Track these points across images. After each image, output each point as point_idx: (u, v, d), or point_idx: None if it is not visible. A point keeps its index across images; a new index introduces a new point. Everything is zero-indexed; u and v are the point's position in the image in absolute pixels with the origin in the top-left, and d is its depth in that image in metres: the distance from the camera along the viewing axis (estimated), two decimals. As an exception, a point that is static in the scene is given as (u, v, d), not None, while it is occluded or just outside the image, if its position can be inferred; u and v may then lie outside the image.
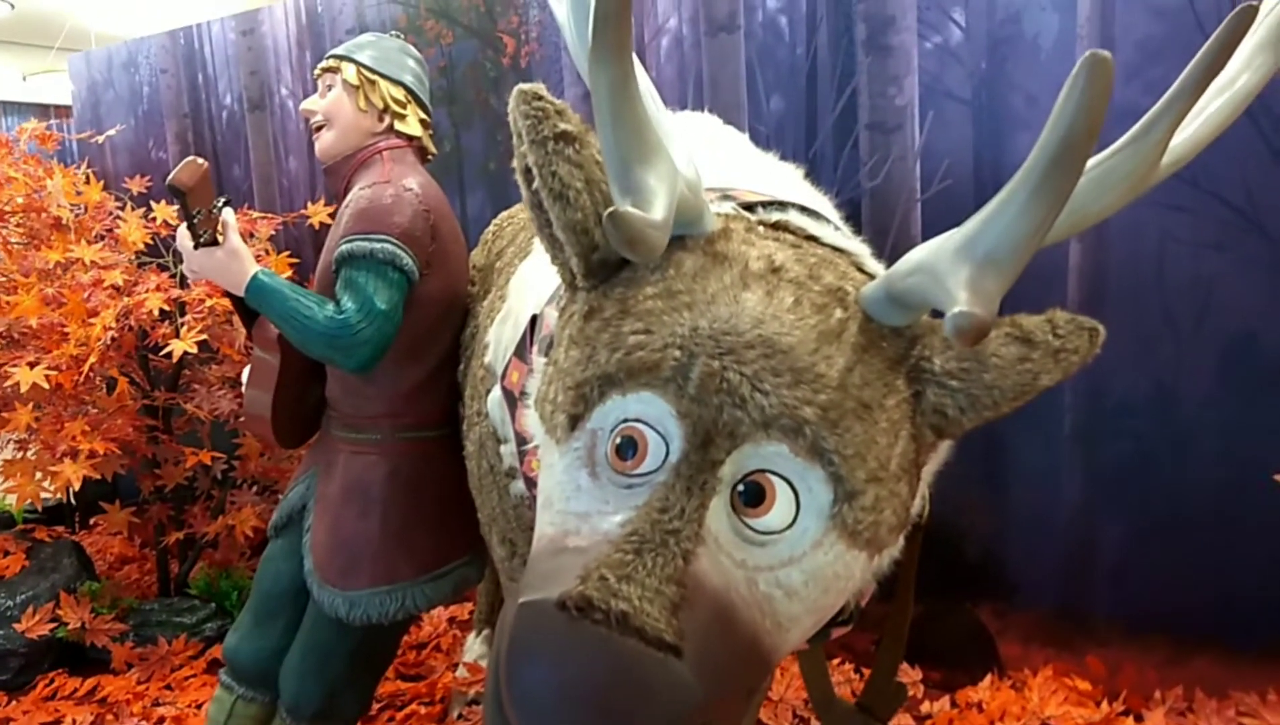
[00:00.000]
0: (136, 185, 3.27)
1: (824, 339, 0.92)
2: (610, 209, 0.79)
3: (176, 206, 1.72)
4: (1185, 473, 2.24)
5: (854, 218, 2.58)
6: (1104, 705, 2.34)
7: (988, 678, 2.51)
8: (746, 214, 1.10)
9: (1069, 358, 0.95)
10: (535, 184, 0.96)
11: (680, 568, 0.83)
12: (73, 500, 3.75)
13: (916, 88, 2.46)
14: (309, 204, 3.11)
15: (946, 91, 2.44)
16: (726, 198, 1.14)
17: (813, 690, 1.39)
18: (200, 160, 1.71)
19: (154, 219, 3.03)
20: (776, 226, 1.08)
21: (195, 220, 1.72)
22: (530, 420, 1.10)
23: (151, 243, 3.03)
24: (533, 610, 0.81)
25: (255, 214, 3.11)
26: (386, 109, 1.97)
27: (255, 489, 3.13)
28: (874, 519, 0.92)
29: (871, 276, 1.07)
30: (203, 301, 2.76)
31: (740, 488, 0.91)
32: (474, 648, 2.69)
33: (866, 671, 2.55)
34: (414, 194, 1.85)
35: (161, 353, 2.77)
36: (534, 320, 1.34)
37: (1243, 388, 2.18)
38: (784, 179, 1.41)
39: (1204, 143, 1.06)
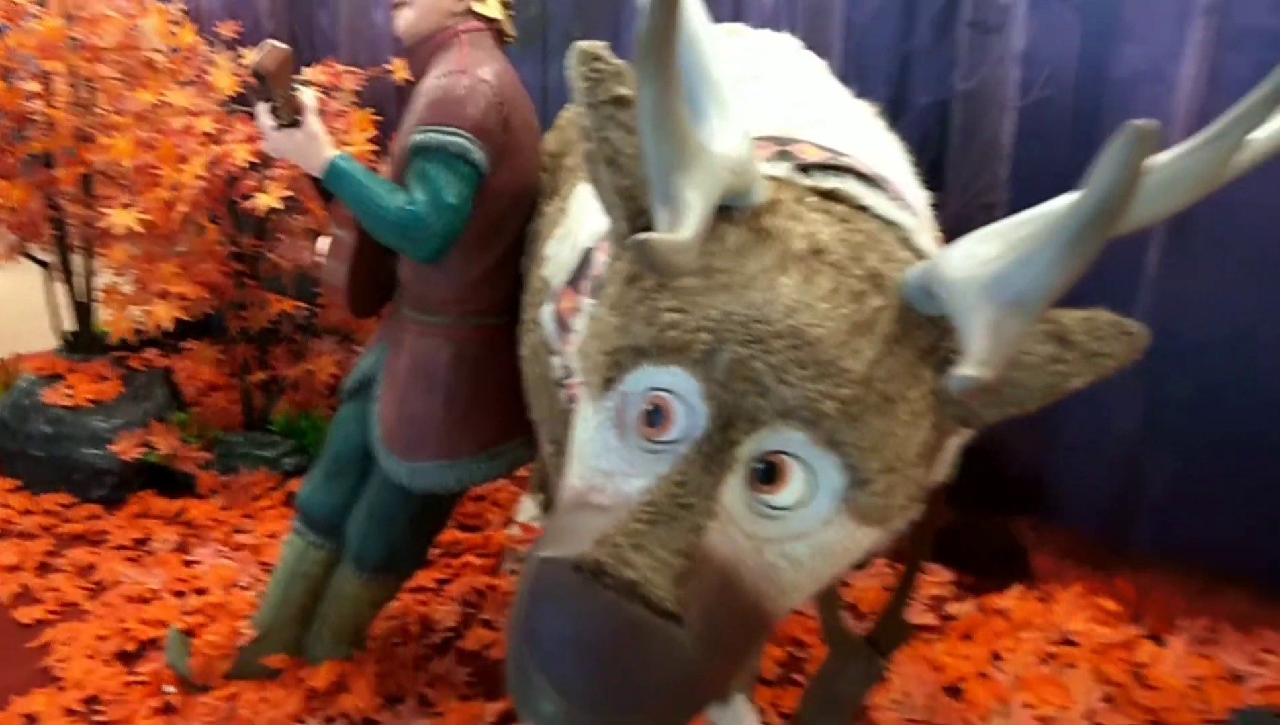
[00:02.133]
0: (227, 29, 3.29)
1: (856, 331, 0.94)
2: (635, 236, 0.81)
3: (258, 89, 1.77)
4: (1246, 416, 2.21)
5: (943, 121, 2.49)
6: (1128, 627, 2.40)
7: (1017, 588, 2.58)
8: (800, 178, 1.10)
9: (1104, 362, 0.95)
10: (589, 145, 0.98)
11: (690, 541, 0.89)
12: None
13: (1025, -14, 2.32)
14: (394, 59, 3.10)
15: (1056, -7, 2.29)
16: (784, 155, 1.14)
17: (825, 621, 1.48)
18: (283, 45, 1.74)
19: (245, 66, 3.06)
20: (829, 195, 1.08)
21: (276, 103, 1.76)
22: (574, 359, 1.15)
23: (242, 90, 3.08)
24: (552, 567, 0.89)
25: (341, 67, 3.12)
26: (467, -12, 1.95)
27: (335, 338, 3.29)
28: (885, 503, 0.96)
29: (918, 252, 1.07)
30: (287, 156, 2.83)
31: (758, 466, 0.96)
32: (527, 508, 2.85)
33: (899, 566, 2.64)
34: (488, 85, 1.85)
35: (248, 202, 2.87)
36: (587, 256, 1.37)
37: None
38: (855, 124, 1.38)
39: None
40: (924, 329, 0.97)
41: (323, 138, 1.84)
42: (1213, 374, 2.24)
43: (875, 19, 2.55)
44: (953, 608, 2.55)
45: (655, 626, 0.86)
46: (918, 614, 2.51)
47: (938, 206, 2.48)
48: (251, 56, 1.76)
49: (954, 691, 2.23)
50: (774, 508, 0.96)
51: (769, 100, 1.31)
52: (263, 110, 1.82)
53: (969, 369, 0.77)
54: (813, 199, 1.06)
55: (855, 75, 2.51)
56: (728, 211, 1.01)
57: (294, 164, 2.35)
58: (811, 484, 0.95)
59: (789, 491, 0.95)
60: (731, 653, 0.95)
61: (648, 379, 0.98)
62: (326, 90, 3.04)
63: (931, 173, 2.46)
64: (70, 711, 2.11)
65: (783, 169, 1.11)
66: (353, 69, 3.14)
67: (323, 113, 2.94)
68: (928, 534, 1.35)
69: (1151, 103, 2.19)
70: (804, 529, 0.96)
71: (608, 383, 1.01)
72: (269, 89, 1.74)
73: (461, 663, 2.30)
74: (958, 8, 2.42)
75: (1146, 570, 2.44)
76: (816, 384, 0.91)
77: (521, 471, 3.15)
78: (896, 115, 2.48)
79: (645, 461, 0.97)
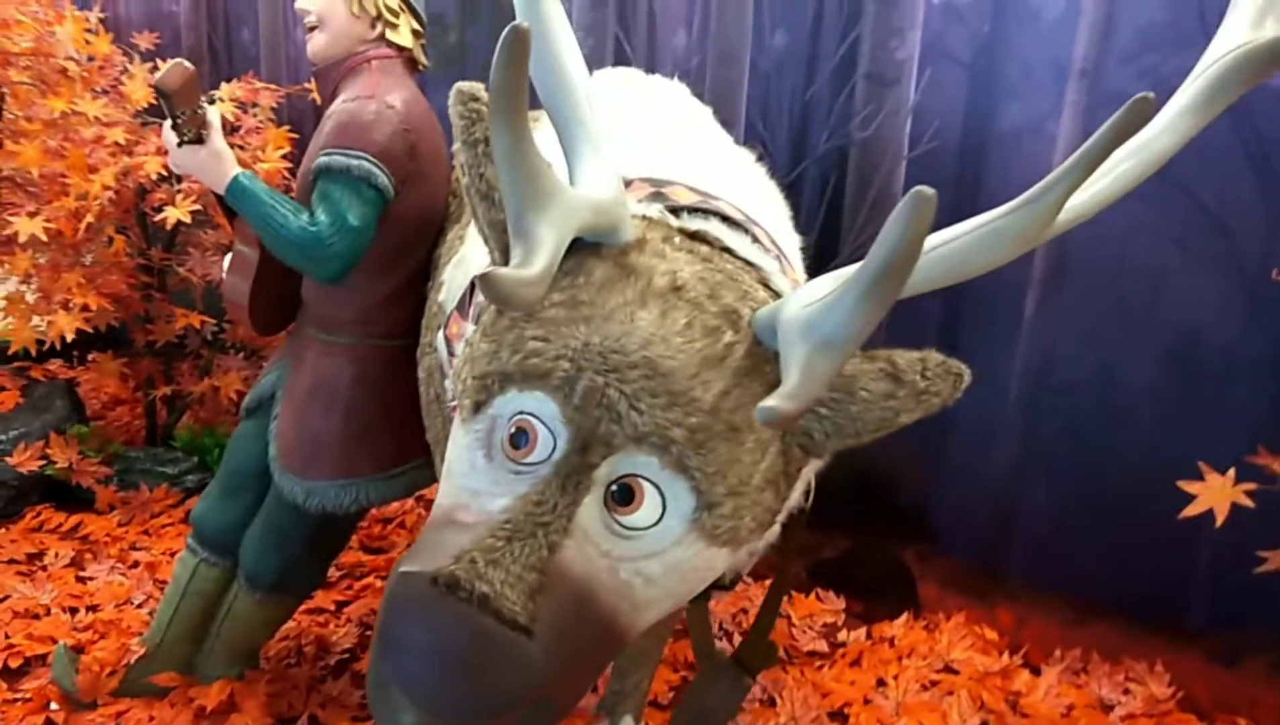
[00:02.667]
0: (145, 40, 3.28)
1: (706, 363, 1.00)
2: (482, 271, 0.87)
3: (162, 106, 1.79)
4: (1112, 453, 2.34)
5: (840, 167, 2.61)
6: (1006, 656, 2.51)
7: (904, 616, 2.67)
8: (670, 218, 1.17)
9: (930, 399, 1.03)
10: (465, 179, 1.04)
11: (544, 557, 0.95)
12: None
13: (918, 44, 2.45)
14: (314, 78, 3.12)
15: (946, 51, 2.42)
16: (659, 196, 1.21)
17: (696, 641, 1.54)
18: (187, 63, 1.77)
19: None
20: (695, 236, 1.15)
21: (180, 120, 1.78)
22: (451, 381, 1.20)
23: (155, 102, 3.06)
24: (410, 580, 0.93)
25: (259, 84, 3.13)
26: (379, 16, 1.99)
27: (242, 354, 3.27)
28: (733, 524, 1.03)
29: (775, 293, 1.14)
30: (200, 171, 2.82)
31: (613, 488, 1.02)
32: (433, 530, 2.86)
33: (795, 595, 2.73)
34: (395, 111, 1.89)
35: (159, 215, 2.85)
36: (474, 283, 1.42)
37: (1181, 381, 2.26)
38: (732, 170, 1.46)
39: (1109, 202, 1.11)
40: (772, 364, 1.04)
41: (226, 155, 1.86)
42: (1083, 412, 2.37)
43: (779, 67, 2.66)
44: (844, 635, 2.63)
45: (506, 638, 0.90)
46: (810, 641, 2.59)
47: (835, 247, 2.61)
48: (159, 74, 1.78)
49: (840, 717, 2.31)
50: (628, 528, 1.02)
51: (651, 143, 1.38)
52: (167, 126, 1.83)
53: (773, 400, 0.85)
54: (679, 239, 1.13)
55: (762, 119, 2.63)
56: (597, 247, 1.07)
57: (200, 180, 2.33)
58: (663, 506, 1.01)
59: (643, 513, 1.01)
60: (584, 665, 1.00)
61: (514, 403, 1.04)
62: (244, 106, 3.05)
63: (830, 214, 2.62)
64: (-55, 730, 2.06)
65: (655, 209, 1.18)
66: (271, 85, 3.15)
67: (239, 129, 2.97)
68: (790, 558, 1.42)
69: (1031, 156, 2.33)
70: (656, 548, 1.02)
71: (478, 406, 1.06)
72: (172, 106, 1.76)
73: (356, 685, 2.30)
74: (856, 60, 2.55)
75: (1024, 601, 2.56)
76: (667, 412, 0.98)
77: (429, 494, 3.18)
78: (799, 159, 2.61)
79: (509, 482, 1.02)
